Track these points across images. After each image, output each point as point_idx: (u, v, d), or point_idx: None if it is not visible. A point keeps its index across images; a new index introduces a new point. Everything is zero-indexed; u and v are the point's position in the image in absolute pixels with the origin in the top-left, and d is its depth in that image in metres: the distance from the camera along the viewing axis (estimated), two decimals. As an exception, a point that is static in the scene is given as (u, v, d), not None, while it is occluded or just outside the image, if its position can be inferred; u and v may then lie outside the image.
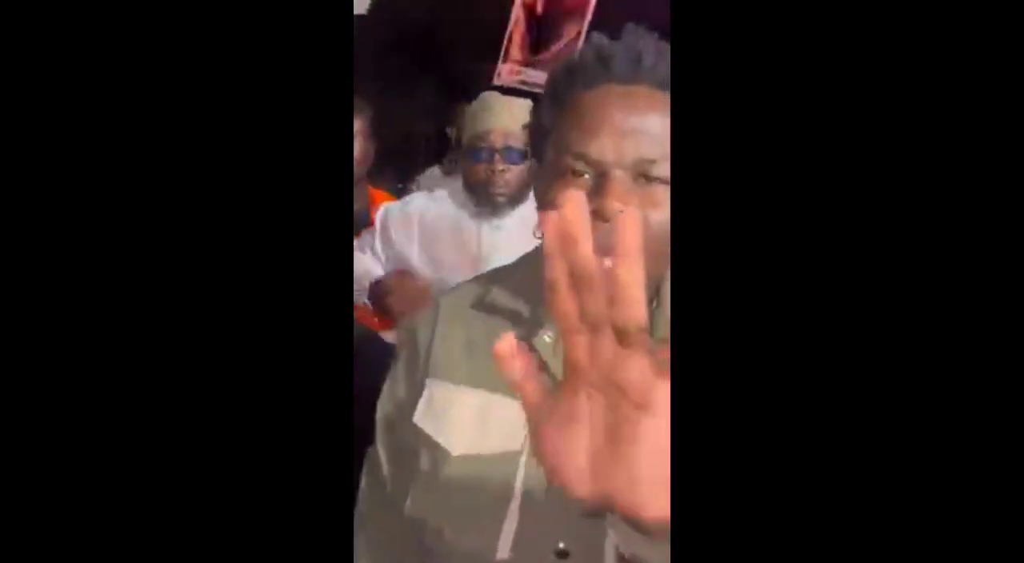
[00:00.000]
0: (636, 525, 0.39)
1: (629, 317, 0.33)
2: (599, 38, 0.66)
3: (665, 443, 0.37)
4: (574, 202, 0.33)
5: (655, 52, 0.63)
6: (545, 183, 0.65)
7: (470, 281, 0.80)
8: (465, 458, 0.67)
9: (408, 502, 0.70)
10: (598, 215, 0.57)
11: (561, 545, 0.63)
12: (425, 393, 0.71)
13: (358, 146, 1.61)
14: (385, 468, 0.76)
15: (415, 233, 1.54)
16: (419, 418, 0.71)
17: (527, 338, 0.68)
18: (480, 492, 0.67)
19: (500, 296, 0.72)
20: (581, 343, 0.35)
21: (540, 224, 0.63)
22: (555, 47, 2.28)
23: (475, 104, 1.54)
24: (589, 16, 2.15)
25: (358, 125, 1.60)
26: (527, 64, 2.35)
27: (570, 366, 0.36)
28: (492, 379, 0.67)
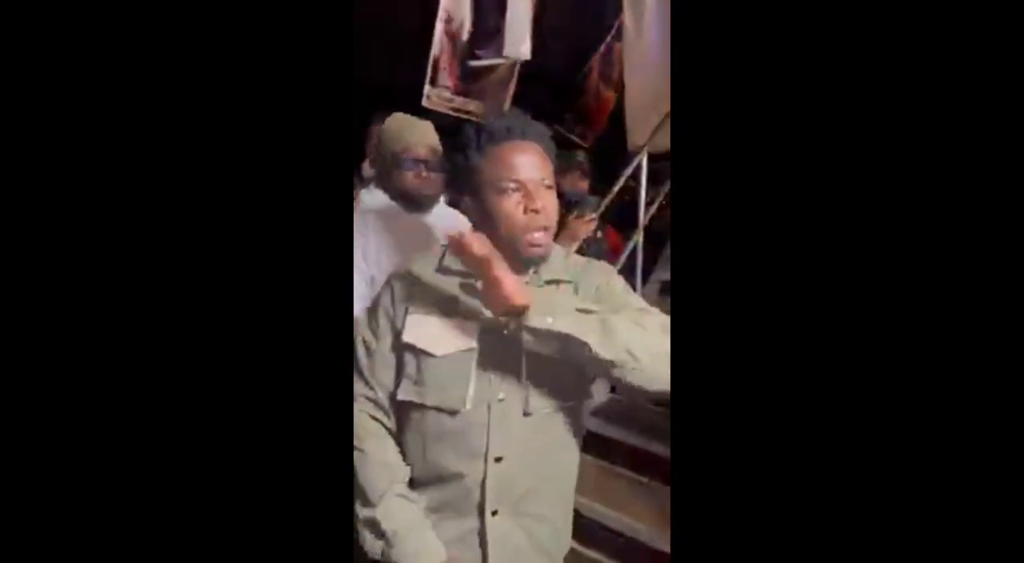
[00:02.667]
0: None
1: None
2: (496, 117, 1.15)
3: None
4: (479, 240, 1.03)
5: (529, 124, 1.14)
6: (487, 196, 1.12)
7: (427, 254, 1.25)
8: (444, 356, 1.12)
9: (400, 391, 1.14)
10: (534, 210, 1.10)
11: (501, 395, 1.11)
12: (409, 321, 1.16)
13: None
14: (374, 369, 1.18)
15: (372, 224, 1.79)
16: (407, 336, 1.15)
17: (471, 285, 1.14)
18: (453, 372, 1.12)
19: (452, 262, 1.18)
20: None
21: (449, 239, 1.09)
22: (491, 77, 2.52)
23: (392, 123, 1.84)
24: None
25: None
26: (458, 92, 2.58)
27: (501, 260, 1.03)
28: (450, 310, 1.14)
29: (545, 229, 1.11)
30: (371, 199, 1.84)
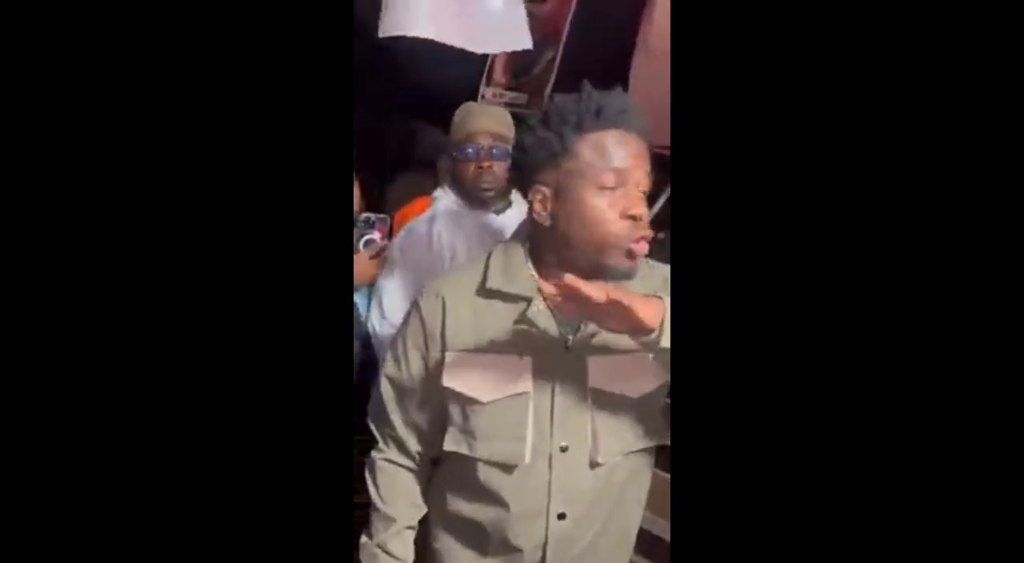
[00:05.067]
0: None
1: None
2: (590, 92, 0.93)
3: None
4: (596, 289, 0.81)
5: (629, 109, 0.90)
6: (576, 189, 0.90)
7: (460, 272, 1.03)
8: (493, 403, 0.94)
9: (447, 440, 0.98)
10: (632, 217, 0.90)
11: (563, 444, 0.94)
12: (449, 360, 0.96)
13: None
14: (406, 411, 1.01)
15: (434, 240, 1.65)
16: (447, 381, 0.96)
17: (524, 312, 0.92)
18: (505, 421, 0.94)
19: (495, 282, 0.96)
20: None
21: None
22: (535, 71, 2.49)
23: (459, 112, 1.70)
24: (563, 42, 2.35)
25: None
26: (509, 87, 2.56)
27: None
28: (497, 345, 0.94)
29: (644, 239, 0.91)
30: (443, 196, 1.73)
